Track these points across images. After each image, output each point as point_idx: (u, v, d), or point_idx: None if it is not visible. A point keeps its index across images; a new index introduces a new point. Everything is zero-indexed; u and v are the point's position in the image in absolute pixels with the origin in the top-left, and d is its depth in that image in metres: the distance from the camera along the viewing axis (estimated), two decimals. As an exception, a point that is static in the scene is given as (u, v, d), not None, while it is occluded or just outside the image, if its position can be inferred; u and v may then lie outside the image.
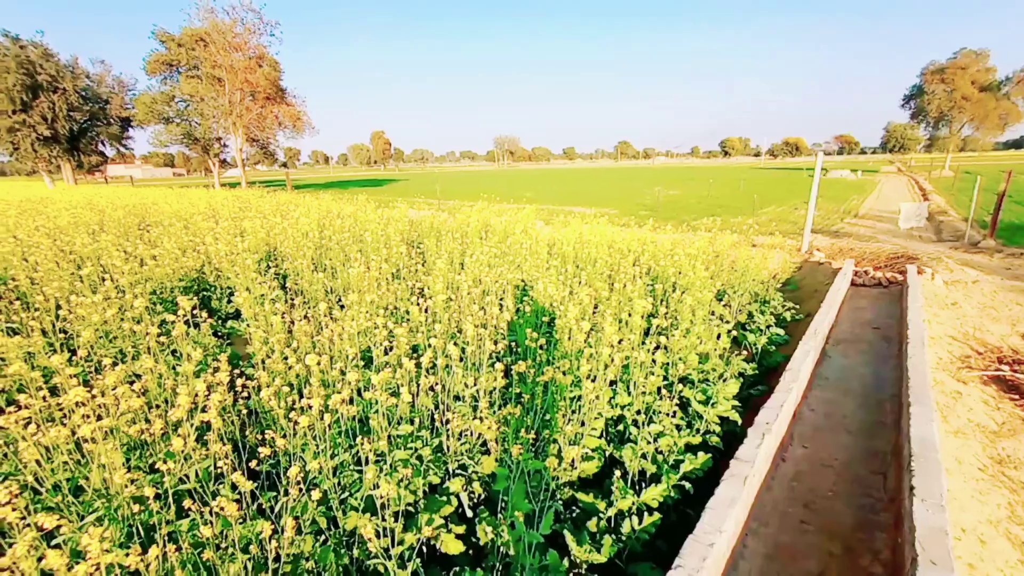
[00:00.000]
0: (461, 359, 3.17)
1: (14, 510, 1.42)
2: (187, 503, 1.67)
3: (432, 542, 2.60)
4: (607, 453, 3.48)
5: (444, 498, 2.75)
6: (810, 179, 9.53)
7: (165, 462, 1.86)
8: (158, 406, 3.22)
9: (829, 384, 4.91)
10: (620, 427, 3.87)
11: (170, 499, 1.86)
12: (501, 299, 5.22)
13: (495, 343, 3.30)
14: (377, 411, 2.39)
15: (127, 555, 1.44)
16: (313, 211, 11.65)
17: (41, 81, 33.59)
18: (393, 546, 2.23)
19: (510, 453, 2.46)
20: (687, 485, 3.18)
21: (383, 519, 2.22)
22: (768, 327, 6.10)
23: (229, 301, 6.78)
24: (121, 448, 2.42)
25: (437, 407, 2.93)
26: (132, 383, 2.62)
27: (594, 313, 5.13)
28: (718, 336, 4.72)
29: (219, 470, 2.11)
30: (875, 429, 4.08)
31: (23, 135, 33.85)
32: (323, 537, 2.25)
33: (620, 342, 3.91)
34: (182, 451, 1.77)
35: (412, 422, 2.75)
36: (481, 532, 2.67)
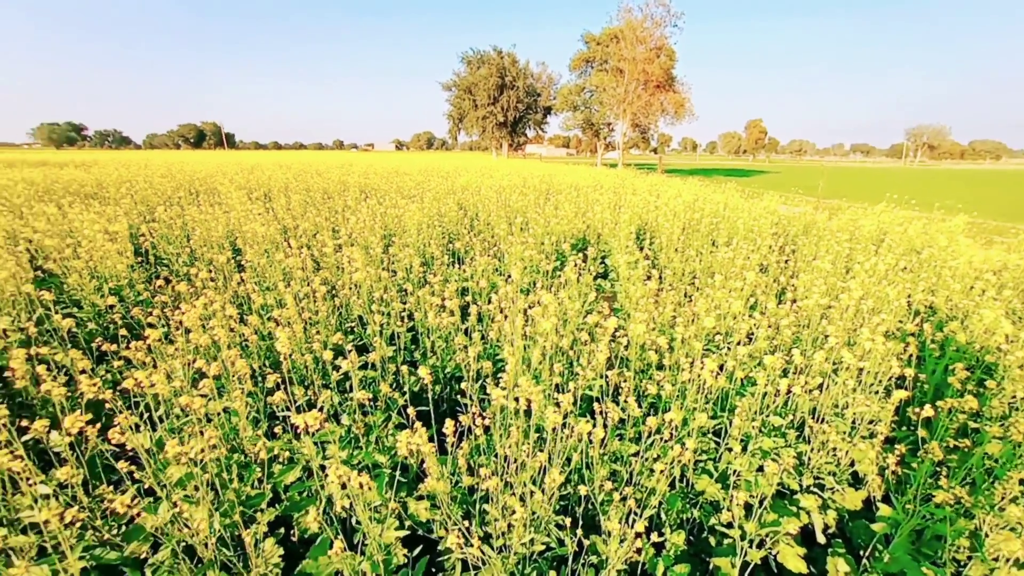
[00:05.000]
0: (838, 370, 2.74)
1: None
2: (597, 407, 2.12)
3: (771, 547, 2.46)
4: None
5: (793, 508, 2.52)
6: None
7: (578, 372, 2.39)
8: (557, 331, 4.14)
9: None
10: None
11: (578, 401, 2.39)
12: (913, 326, 4.17)
13: (899, 368, 2.69)
14: (752, 394, 2.37)
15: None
16: (684, 193, 11.96)
17: (507, 81, 46.32)
18: (736, 527, 2.22)
19: (902, 499, 2.02)
20: None
21: (730, 497, 2.24)
22: None
23: (601, 262, 7.84)
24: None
25: (814, 414, 2.66)
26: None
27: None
28: None
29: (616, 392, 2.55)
30: None
31: (489, 121, 47.83)
32: (674, 485, 2.45)
33: None
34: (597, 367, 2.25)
35: (782, 416, 2.60)
36: (831, 566, 2.35)
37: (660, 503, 2.46)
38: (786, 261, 6.61)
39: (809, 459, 2.69)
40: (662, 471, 2.08)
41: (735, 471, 2.38)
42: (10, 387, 2.54)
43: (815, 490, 2.69)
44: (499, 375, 2.33)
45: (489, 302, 4.43)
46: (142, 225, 6.34)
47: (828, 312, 4.34)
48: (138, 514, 1.68)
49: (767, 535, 2.32)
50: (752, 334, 3.70)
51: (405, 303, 4.36)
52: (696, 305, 4.09)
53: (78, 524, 1.48)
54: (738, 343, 3.16)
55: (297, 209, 7.91)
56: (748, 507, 2.31)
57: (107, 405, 1.90)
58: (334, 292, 4.45)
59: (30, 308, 3.44)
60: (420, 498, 2.24)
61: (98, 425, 1.80)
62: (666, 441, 2.33)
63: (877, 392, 2.81)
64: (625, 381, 2.39)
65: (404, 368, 2.66)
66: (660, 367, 3.27)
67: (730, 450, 2.55)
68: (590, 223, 8.76)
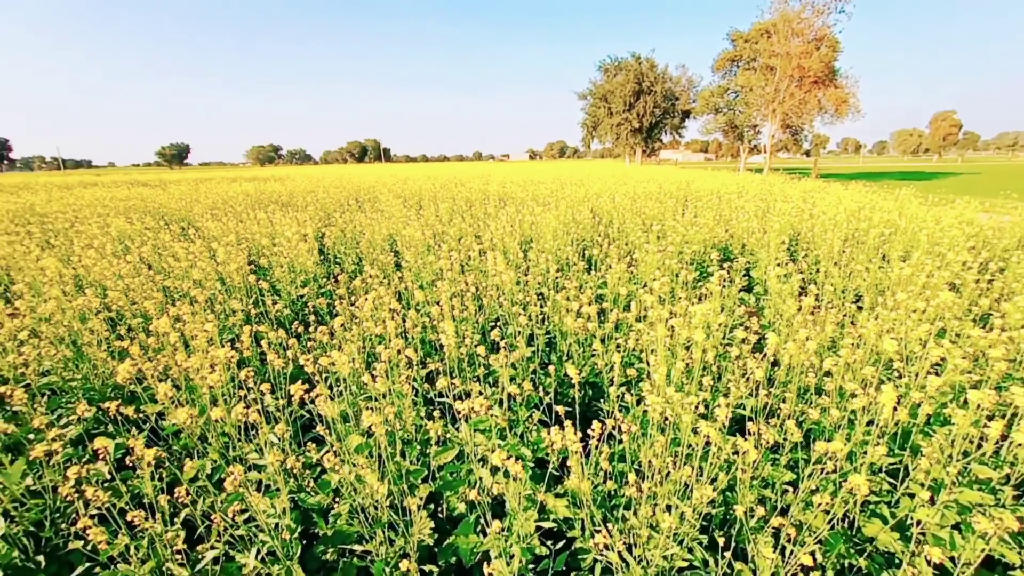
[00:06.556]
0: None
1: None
2: (751, 426, 2.02)
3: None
4: None
5: None
6: None
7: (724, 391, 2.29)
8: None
9: None
10: None
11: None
12: None
13: None
14: (947, 434, 2.04)
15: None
16: (845, 200, 10.54)
17: (644, 87, 45.09)
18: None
19: None
20: None
21: (915, 552, 1.95)
22: None
23: (745, 274, 7.25)
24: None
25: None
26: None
27: None
28: None
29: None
30: None
31: (623, 128, 46.97)
32: (833, 525, 2.21)
33: None
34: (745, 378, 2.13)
35: (991, 467, 2.18)
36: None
37: (818, 542, 2.23)
38: (989, 281, 5.45)
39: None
40: (821, 506, 1.89)
41: (918, 522, 2.06)
42: (240, 354, 3.22)
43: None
44: (639, 383, 2.33)
45: (626, 309, 4.39)
46: (323, 228, 7.51)
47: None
48: (328, 470, 2.03)
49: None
50: (940, 364, 3.14)
51: (542, 307, 4.52)
52: (864, 326, 3.59)
53: (294, 470, 1.83)
54: (925, 374, 2.72)
55: (444, 216, 8.66)
56: (941, 569, 1.98)
57: (313, 376, 2.30)
58: (479, 293, 4.79)
59: (249, 294, 4.31)
60: (559, 495, 2.33)
61: (310, 393, 2.22)
62: (828, 473, 2.11)
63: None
64: (784, 402, 2.22)
65: (551, 368, 2.78)
66: (819, 391, 2.96)
67: (911, 496, 2.21)
68: (733, 232, 8.19)
